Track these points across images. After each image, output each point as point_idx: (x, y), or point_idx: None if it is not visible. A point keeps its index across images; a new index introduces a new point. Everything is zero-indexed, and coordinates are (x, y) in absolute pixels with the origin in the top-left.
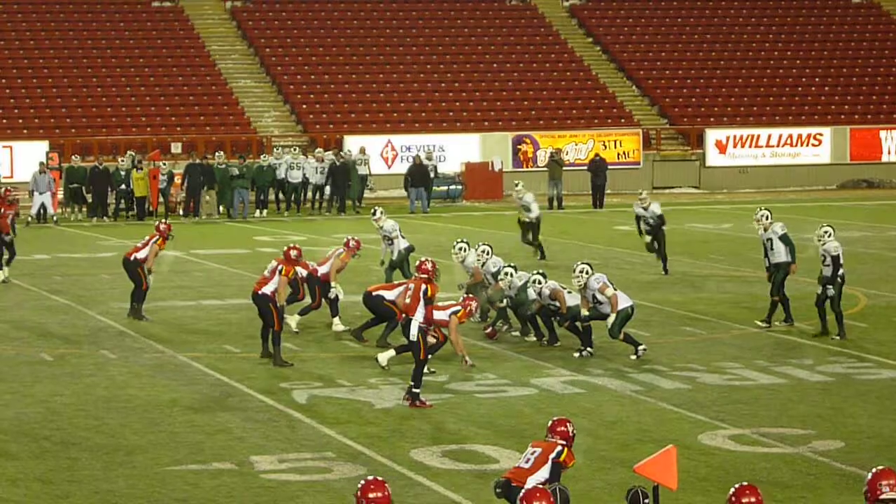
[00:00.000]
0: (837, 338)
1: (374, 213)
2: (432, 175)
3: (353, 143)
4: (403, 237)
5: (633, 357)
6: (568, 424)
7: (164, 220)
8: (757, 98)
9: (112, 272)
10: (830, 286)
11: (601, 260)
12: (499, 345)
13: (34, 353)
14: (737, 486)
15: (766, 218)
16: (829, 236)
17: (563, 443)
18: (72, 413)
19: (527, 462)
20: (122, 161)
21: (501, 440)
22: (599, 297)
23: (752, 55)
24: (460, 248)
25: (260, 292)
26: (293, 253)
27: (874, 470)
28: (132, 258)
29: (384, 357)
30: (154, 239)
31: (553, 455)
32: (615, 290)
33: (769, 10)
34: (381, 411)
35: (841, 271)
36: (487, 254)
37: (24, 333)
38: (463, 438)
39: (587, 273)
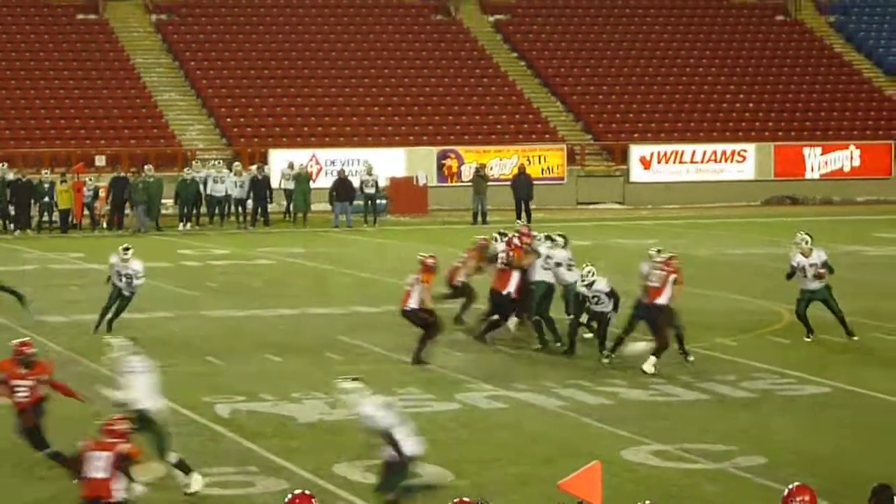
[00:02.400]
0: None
1: (125, 250)
2: (373, 190)
3: (278, 157)
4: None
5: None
6: (118, 424)
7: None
8: (681, 114)
9: (35, 285)
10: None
11: None
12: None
13: None
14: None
15: (807, 243)
16: (593, 275)
17: (121, 440)
18: None
19: (102, 471)
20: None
21: (425, 455)
22: (603, 297)
23: (676, 71)
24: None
25: (407, 308)
26: (430, 261)
27: (790, 486)
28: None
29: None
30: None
31: (119, 453)
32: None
33: (693, 27)
34: (305, 425)
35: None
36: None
37: None
38: None
39: (593, 274)
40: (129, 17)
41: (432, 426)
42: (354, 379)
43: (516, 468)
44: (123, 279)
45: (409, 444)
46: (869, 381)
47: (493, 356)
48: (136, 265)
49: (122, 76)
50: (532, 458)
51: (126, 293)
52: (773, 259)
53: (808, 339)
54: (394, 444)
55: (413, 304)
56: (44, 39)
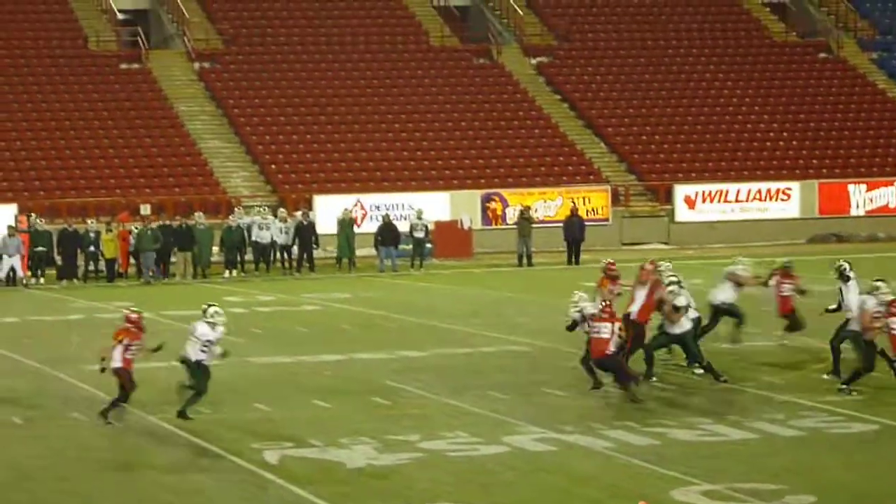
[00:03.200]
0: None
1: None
2: (423, 234)
3: (323, 203)
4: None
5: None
6: None
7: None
8: (725, 153)
9: (83, 335)
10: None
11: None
12: (469, 402)
13: (4, 416)
14: None
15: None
16: (584, 301)
17: None
18: (42, 476)
19: None
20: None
21: (473, 499)
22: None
23: (719, 110)
24: None
25: (607, 353)
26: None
27: None
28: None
29: None
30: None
31: None
32: None
33: (736, 66)
34: (354, 470)
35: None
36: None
37: None
38: (435, 497)
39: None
40: (171, 66)
41: (480, 469)
42: None
43: None
44: (205, 347)
45: None
46: None
47: (540, 398)
48: (222, 329)
49: (166, 124)
50: (580, 500)
51: (206, 363)
52: (820, 297)
53: (826, 377)
54: None
55: (612, 347)
56: (87, 89)
